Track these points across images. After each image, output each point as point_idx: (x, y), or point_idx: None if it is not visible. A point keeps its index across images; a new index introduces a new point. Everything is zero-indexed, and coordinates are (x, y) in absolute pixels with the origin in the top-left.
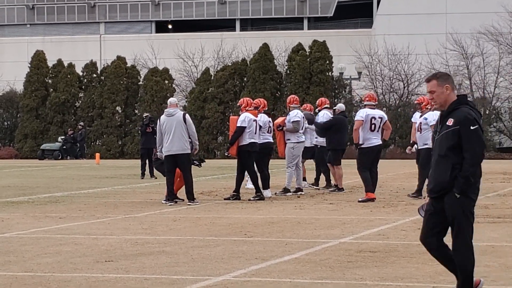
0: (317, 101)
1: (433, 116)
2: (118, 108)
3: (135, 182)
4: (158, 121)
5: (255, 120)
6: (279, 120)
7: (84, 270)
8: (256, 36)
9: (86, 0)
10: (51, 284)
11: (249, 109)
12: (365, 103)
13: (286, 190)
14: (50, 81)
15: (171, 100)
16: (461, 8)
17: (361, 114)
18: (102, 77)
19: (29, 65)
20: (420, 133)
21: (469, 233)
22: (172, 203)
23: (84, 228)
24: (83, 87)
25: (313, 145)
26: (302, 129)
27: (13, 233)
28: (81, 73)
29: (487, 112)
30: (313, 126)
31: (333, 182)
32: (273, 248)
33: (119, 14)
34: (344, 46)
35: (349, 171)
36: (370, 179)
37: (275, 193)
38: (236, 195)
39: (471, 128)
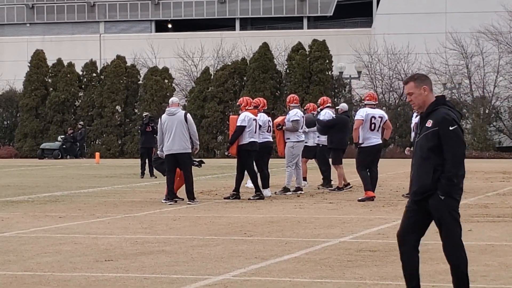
0: (319, 100)
1: None
2: (117, 107)
3: (135, 182)
4: (160, 120)
5: (255, 120)
6: (278, 119)
7: (84, 269)
8: (256, 35)
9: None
10: (50, 284)
11: (249, 108)
12: (365, 102)
13: (285, 189)
14: (49, 80)
15: (172, 99)
16: (460, 8)
17: (361, 113)
18: (102, 77)
19: (29, 64)
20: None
21: (458, 232)
22: (172, 203)
23: (83, 228)
24: (82, 86)
25: (315, 145)
26: (301, 128)
27: (13, 233)
28: (80, 73)
29: (486, 111)
30: (314, 128)
31: (339, 183)
32: (273, 247)
33: (119, 14)
34: (344, 45)
35: (348, 170)
36: (369, 178)
37: (275, 192)
38: (236, 195)
39: (450, 128)
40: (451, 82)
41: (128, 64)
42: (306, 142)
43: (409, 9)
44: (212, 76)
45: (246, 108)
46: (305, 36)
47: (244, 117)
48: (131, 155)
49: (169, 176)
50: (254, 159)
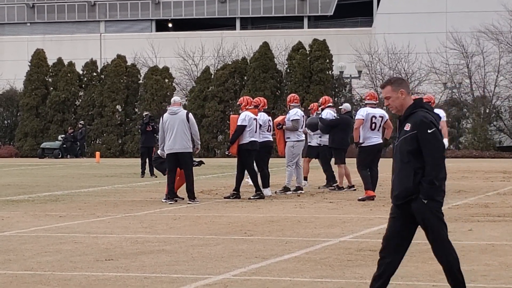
0: (320, 100)
1: None
2: (118, 106)
3: (135, 181)
4: (161, 119)
5: (255, 119)
6: (279, 118)
7: (84, 268)
8: (256, 34)
9: None
10: (51, 283)
11: (249, 107)
12: (366, 102)
13: (286, 189)
14: (50, 79)
15: (175, 98)
16: (461, 7)
17: (362, 113)
18: (102, 76)
19: (29, 64)
20: None
21: (444, 232)
22: (172, 202)
23: (84, 227)
24: (83, 85)
25: (317, 145)
26: (301, 127)
27: (13, 232)
28: (81, 72)
29: (487, 111)
30: (318, 132)
31: (339, 182)
32: (273, 246)
33: (119, 13)
34: (344, 44)
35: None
36: (369, 177)
37: (275, 192)
38: (236, 194)
39: (428, 131)
40: (452, 82)
41: (129, 63)
42: (309, 142)
43: (409, 8)
44: (212, 76)
45: (247, 107)
46: (306, 35)
47: (244, 117)
48: (131, 154)
49: (170, 175)
50: (254, 159)
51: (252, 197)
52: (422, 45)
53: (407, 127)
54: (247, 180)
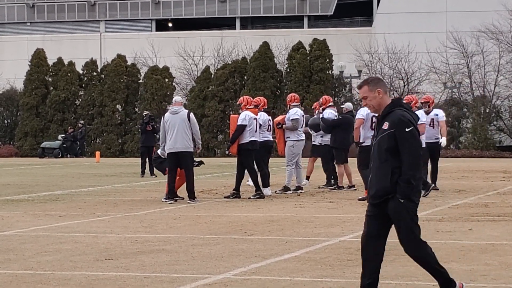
0: (321, 99)
1: (419, 115)
2: (118, 106)
3: (135, 180)
4: (162, 118)
5: (255, 119)
6: (279, 118)
7: (84, 268)
8: (256, 34)
9: None
10: (51, 282)
11: (249, 107)
12: None
13: (286, 189)
14: (50, 79)
15: (176, 98)
16: (461, 7)
17: (362, 112)
18: (102, 75)
19: (29, 63)
20: None
21: (418, 232)
22: (172, 201)
23: (84, 226)
24: (83, 85)
25: (319, 144)
26: (301, 127)
27: (13, 231)
28: (81, 71)
29: (487, 111)
30: (320, 132)
31: (339, 181)
32: (273, 246)
33: (119, 12)
34: (344, 44)
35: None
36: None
37: (275, 192)
38: (236, 194)
39: (406, 130)
40: (452, 81)
41: (129, 63)
42: (313, 141)
43: (409, 8)
44: (212, 75)
45: (247, 107)
46: (306, 35)
47: (244, 116)
48: (131, 154)
49: (170, 175)
50: (254, 158)
51: (252, 197)
52: (422, 44)
53: (385, 125)
54: (248, 183)
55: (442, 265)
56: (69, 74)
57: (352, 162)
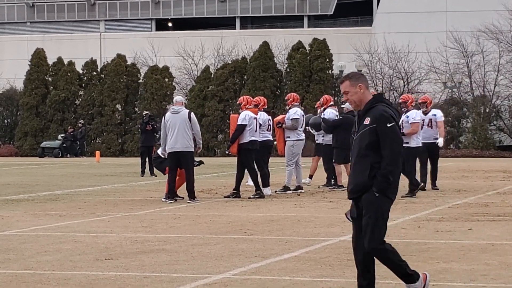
0: (322, 99)
1: (413, 114)
2: (118, 106)
3: (135, 180)
4: (163, 118)
5: (255, 118)
6: (279, 117)
7: (84, 268)
8: (256, 34)
9: None
10: (50, 282)
11: (249, 107)
12: None
13: (286, 188)
14: (50, 79)
15: (177, 98)
16: (461, 6)
17: None
18: (102, 75)
19: (29, 63)
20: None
21: (384, 231)
22: (172, 201)
23: (84, 226)
24: (83, 85)
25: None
26: (301, 127)
27: (13, 231)
28: (81, 71)
29: (487, 110)
30: (321, 131)
31: (338, 181)
32: (273, 246)
33: (119, 12)
34: (344, 44)
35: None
36: None
37: (275, 191)
38: (236, 193)
39: (388, 125)
40: (452, 81)
41: (129, 62)
42: (316, 140)
43: (409, 7)
44: (212, 75)
45: (247, 107)
46: (306, 35)
47: (244, 116)
48: (131, 153)
49: (171, 174)
50: (254, 158)
51: (252, 197)
52: (422, 44)
53: (367, 121)
54: (247, 183)
55: (403, 259)
56: (69, 74)
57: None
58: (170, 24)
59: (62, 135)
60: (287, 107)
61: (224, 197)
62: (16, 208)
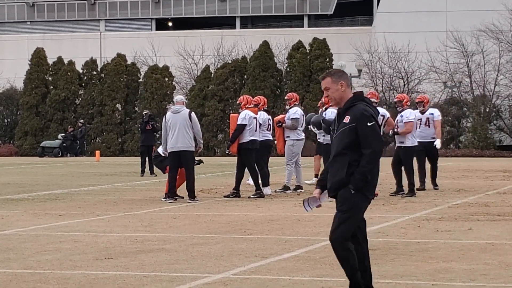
0: (323, 99)
1: (407, 113)
2: (118, 105)
3: (135, 180)
4: (164, 118)
5: (255, 118)
6: (279, 116)
7: (84, 267)
8: (256, 33)
9: None
10: (50, 282)
11: (249, 106)
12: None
13: (285, 188)
14: (50, 78)
15: (177, 97)
16: (461, 6)
17: None
18: (102, 75)
19: (29, 63)
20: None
21: (351, 229)
22: (171, 201)
23: (83, 226)
24: (83, 84)
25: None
26: (301, 126)
27: (13, 231)
28: (81, 71)
29: (487, 110)
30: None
31: None
32: (273, 245)
33: (119, 12)
34: (344, 43)
35: None
36: None
37: (275, 191)
38: (236, 193)
39: (368, 124)
40: (452, 81)
41: (129, 62)
42: (318, 139)
43: (409, 7)
44: (212, 75)
45: (246, 106)
46: (306, 34)
47: (244, 116)
48: (131, 153)
49: (171, 173)
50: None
51: (252, 196)
52: (422, 44)
53: (347, 119)
54: (248, 182)
55: (358, 268)
56: (69, 73)
57: None
58: (170, 24)
59: (62, 134)
60: (287, 107)
61: (224, 196)
62: (16, 208)
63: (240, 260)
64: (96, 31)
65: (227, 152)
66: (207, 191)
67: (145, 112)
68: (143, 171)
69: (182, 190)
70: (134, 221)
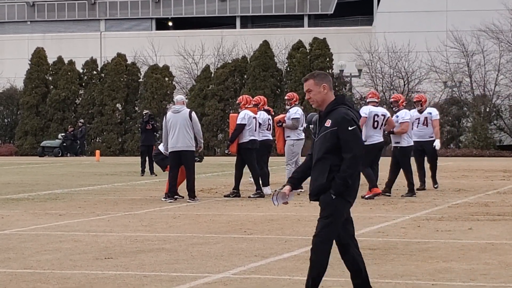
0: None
1: (402, 114)
2: (118, 105)
3: (135, 179)
4: (164, 117)
5: (254, 118)
6: (279, 116)
7: (84, 267)
8: (256, 33)
9: None
10: (50, 281)
11: (248, 106)
12: (368, 100)
13: None
14: (50, 78)
15: (177, 97)
16: (461, 6)
17: (365, 110)
18: (103, 74)
19: (29, 62)
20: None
21: (334, 235)
22: (172, 200)
23: (83, 225)
24: (83, 84)
25: None
26: (301, 126)
27: (13, 230)
28: (81, 70)
29: (487, 110)
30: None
31: None
32: (273, 245)
33: (120, 11)
34: (345, 43)
35: None
36: (373, 175)
37: (275, 191)
38: (236, 192)
39: (349, 128)
40: (452, 80)
41: (129, 62)
42: None
43: (409, 7)
44: (212, 74)
45: (246, 106)
46: (306, 34)
47: (244, 115)
48: (131, 153)
49: (172, 173)
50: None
51: (252, 196)
52: (423, 43)
53: (328, 123)
54: (250, 179)
55: (325, 271)
56: (69, 73)
57: None
58: (170, 23)
59: (62, 134)
60: (287, 107)
61: (224, 196)
62: (16, 207)
63: (240, 260)
64: (96, 31)
65: (226, 152)
66: (207, 191)
67: (145, 112)
68: (143, 171)
69: (182, 190)
70: (134, 220)
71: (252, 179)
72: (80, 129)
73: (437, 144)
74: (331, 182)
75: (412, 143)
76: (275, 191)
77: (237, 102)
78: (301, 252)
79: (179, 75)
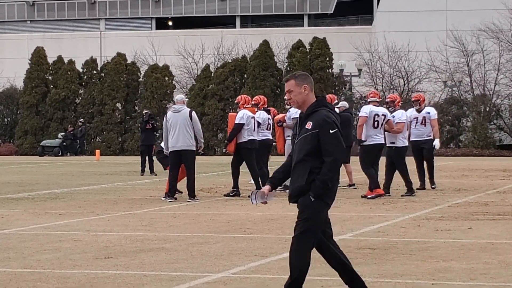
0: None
1: (399, 114)
2: (118, 104)
3: (135, 179)
4: (165, 117)
5: (253, 117)
6: (279, 116)
7: (84, 266)
8: (256, 33)
9: None
10: (50, 281)
11: (247, 106)
12: (369, 99)
13: (285, 187)
14: (50, 77)
15: (178, 97)
16: (461, 5)
17: (366, 110)
18: (102, 74)
19: (29, 62)
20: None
21: (314, 237)
22: (171, 200)
23: (83, 225)
24: (83, 83)
25: None
26: None
27: (13, 230)
28: (81, 70)
29: (487, 109)
30: None
31: (345, 181)
32: (273, 245)
33: (119, 11)
34: (344, 43)
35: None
36: (375, 175)
37: (254, 190)
38: (235, 191)
39: (330, 131)
40: (452, 80)
41: (129, 61)
42: None
43: (409, 6)
44: (212, 74)
45: (245, 106)
46: (306, 33)
47: (242, 115)
48: (131, 152)
49: (172, 173)
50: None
51: None
52: (422, 43)
53: (309, 125)
54: (250, 182)
55: (306, 273)
56: (69, 73)
57: (354, 160)
58: (170, 23)
59: (62, 133)
60: (287, 106)
61: (224, 195)
62: (16, 207)
63: (240, 259)
64: (96, 30)
65: (224, 151)
66: (207, 190)
67: (145, 111)
68: (143, 170)
69: (182, 185)
70: (134, 220)
71: (252, 180)
72: (80, 128)
73: (436, 143)
74: (311, 184)
75: (407, 143)
76: (254, 190)
77: (236, 101)
78: None
79: (179, 74)
